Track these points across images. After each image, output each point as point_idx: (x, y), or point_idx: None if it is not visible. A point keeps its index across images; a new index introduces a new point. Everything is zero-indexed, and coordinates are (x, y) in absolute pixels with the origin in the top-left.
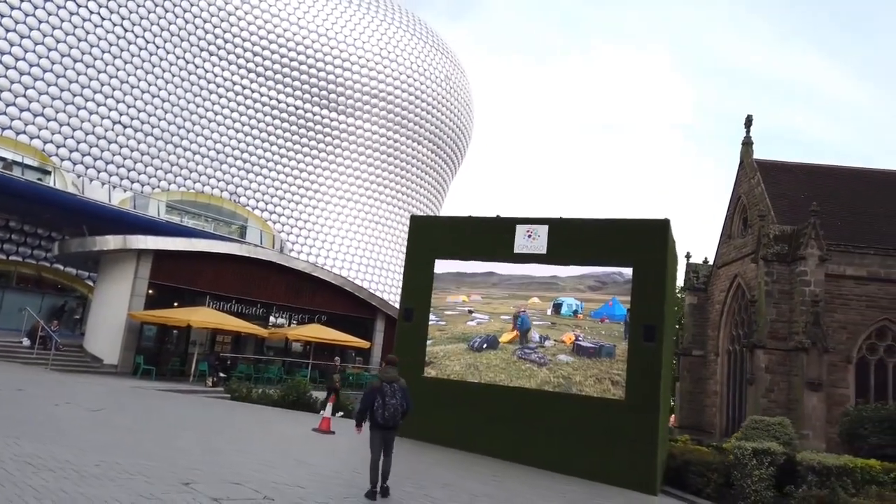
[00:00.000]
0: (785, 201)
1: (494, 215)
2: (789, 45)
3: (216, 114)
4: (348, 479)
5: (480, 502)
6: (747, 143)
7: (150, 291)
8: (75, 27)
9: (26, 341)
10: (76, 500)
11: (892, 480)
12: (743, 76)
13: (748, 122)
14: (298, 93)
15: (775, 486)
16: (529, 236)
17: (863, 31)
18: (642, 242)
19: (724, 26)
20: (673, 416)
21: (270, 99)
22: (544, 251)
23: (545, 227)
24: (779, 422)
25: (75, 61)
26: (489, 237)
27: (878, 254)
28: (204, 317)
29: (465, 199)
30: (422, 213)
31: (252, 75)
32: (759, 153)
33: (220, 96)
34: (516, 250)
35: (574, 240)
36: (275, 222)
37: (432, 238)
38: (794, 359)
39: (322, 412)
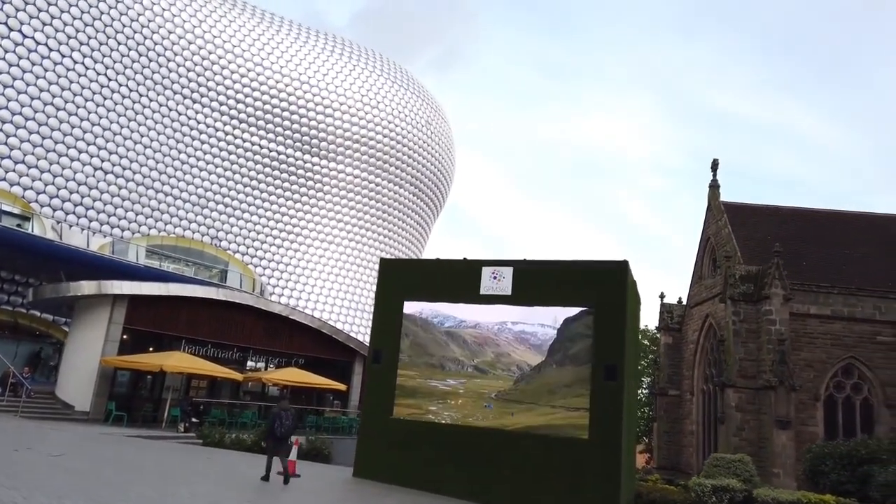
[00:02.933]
0: (751, 242)
1: (462, 258)
2: (767, 90)
3: (198, 159)
4: None
5: None
6: (714, 187)
7: (125, 336)
8: (59, 76)
9: None
10: None
11: None
12: (722, 119)
13: (714, 165)
14: (280, 138)
15: None
16: (495, 278)
17: (839, 78)
18: (602, 283)
19: (705, 72)
20: (649, 455)
21: (252, 144)
22: (509, 292)
23: (510, 269)
24: (739, 458)
25: (58, 109)
26: (456, 279)
27: (842, 293)
28: (177, 361)
29: (451, 240)
30: (404, 255)
31: (234, 121)
32: (742, 194)
33: (203, 142)
34: (482, 292)
35: (537, 281)
36: (256, 266)
37: (401, 280)
38: (763, 397)
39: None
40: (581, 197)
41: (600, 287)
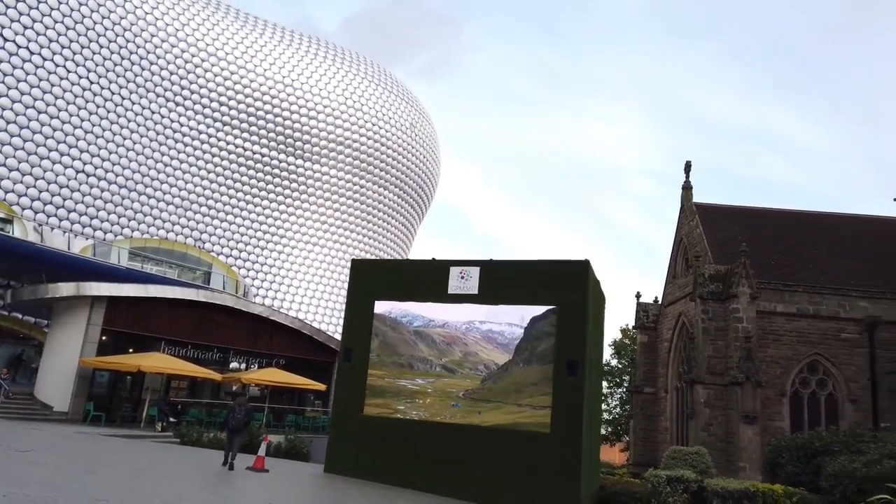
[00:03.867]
0: (722, 242)
1: (431, 258)
2: (754, 95)
3: (181, 161)
4: None
5: None
6: (687, 188)
7: (104, 338)
8: (41, 80)
9: None
10: None
11: (795, 503)
12: (711, 124)
13: (687, 167)
14: (264, 140)
15: None
16: (462, 277)
17: (826, 83)
18: (565, 282)
19: (694, 77)
20: (626, 452)
21: (236, 147)
22: (476, 291)
23: (477, 269)
24: (696, 451)
25: (40, 112)
26: (425, 279)
27: (807, 291)
28: (156, 362)
29: (444, 243)
30: (388, 257)
31: (218, 124)
32: (727, 196)
33: (186, 144)
34: (450, 291)
35: (503, 281)
36: (240, 268)
37: (372, 281)
38: (731, 393)
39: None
40: (571, 201)
41: (563, 286)
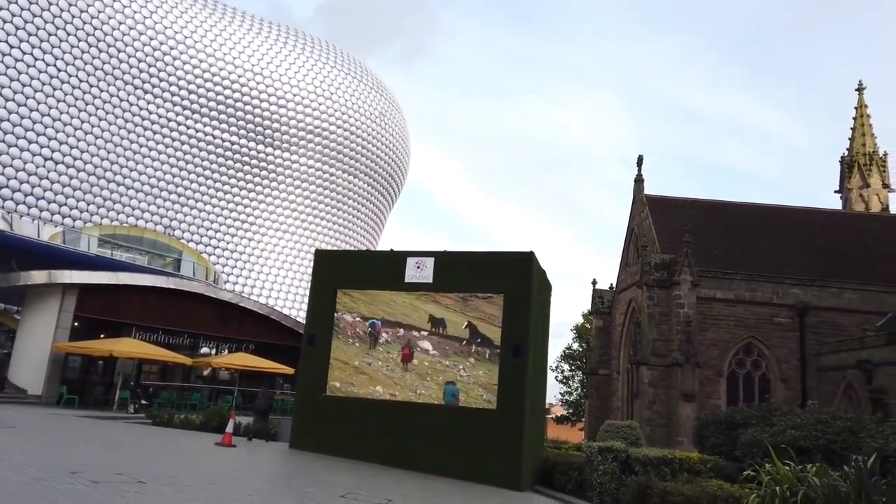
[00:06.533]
0: (670, 233)
1: (389, 249)
2: (724, 83)
3: (150, 149)
4: (219, 475)
5: (337, 491)
6: (639, 181)
7: (76, 324)
8: (7, 67)
9: None
10: None
11: (708, 469)
12: (683, 111)
13: (639, 161)
14: (234, 128)
15: (619, 479)
16: (419, 267)
17: (794, 74)
18: (511, 272)
19: (668, 66)
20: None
21: (206, 135)
22: (431, 281)
23: (432, 259)
24: (628, 424)
25: (7, 100)
26: (384, 269)
27: (744, 279)
28: (127, 347)
29: (419, 230)
30: (358, 244)
31: (187, 112)
32: (693, 183)
33: (155, 132)
34: (407, 280)
35: (455, 270)
36: (210, 255)
37: (334, 270)
38: (672, 374)
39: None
40: (544, 187)
41: (510, 275)
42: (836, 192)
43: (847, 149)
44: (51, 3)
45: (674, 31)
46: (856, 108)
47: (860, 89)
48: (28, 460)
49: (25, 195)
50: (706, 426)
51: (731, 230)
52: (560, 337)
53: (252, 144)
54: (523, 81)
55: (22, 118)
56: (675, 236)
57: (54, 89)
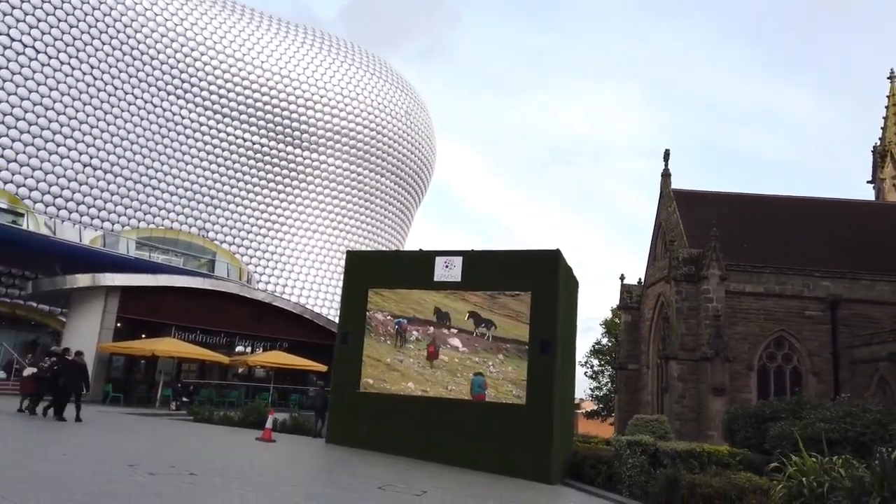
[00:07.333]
0: (697, 227)
1: (418, 249)
2: (751, 74)
3: (184, 153)
4: (263, 468)
5: (374, 483)
6: (665, 175)
7: (119, 324)
8: (46, 77)
9: (1, 374)
10: (47, 473)
11: (737, 463)
12: (705, 102)
13: (666, 155)
14: (263, 131)
15: (648, 472)
16: (447, 267)
17: (824, 63)
18: (538, 270)
19: (693, 57)
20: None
21: (237, 138)
22: (459, 279)
23: (460, 259)
24: (656, 418)
25: (47, 109)
26: (413, 268)
27: (774, 272)
28: (167, 346)
29: (442, 228)
30: (386, 242)
31: (218, 116)
32: (719, 175)
33: (188, 136)
34: (436, 279)
35: (483, 269)
36: (243, 255)
37: (365, 270)
38: (702, 368)
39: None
40: (567, 182)
41: (537, 273)
42: (868, 181)
43: (879, 138)
44: (86, 14)
45: (695, 19)
46: (888, 97)
47: (892, 77)
48: (88, 455)
49: (66, 200)
50: (736, 420)
51: (760, 223)
52: (589, 332)
53: (281, 146)
54: (543, 76)
55: (62, 126)
56: (703, 230)
57: (92, 97)
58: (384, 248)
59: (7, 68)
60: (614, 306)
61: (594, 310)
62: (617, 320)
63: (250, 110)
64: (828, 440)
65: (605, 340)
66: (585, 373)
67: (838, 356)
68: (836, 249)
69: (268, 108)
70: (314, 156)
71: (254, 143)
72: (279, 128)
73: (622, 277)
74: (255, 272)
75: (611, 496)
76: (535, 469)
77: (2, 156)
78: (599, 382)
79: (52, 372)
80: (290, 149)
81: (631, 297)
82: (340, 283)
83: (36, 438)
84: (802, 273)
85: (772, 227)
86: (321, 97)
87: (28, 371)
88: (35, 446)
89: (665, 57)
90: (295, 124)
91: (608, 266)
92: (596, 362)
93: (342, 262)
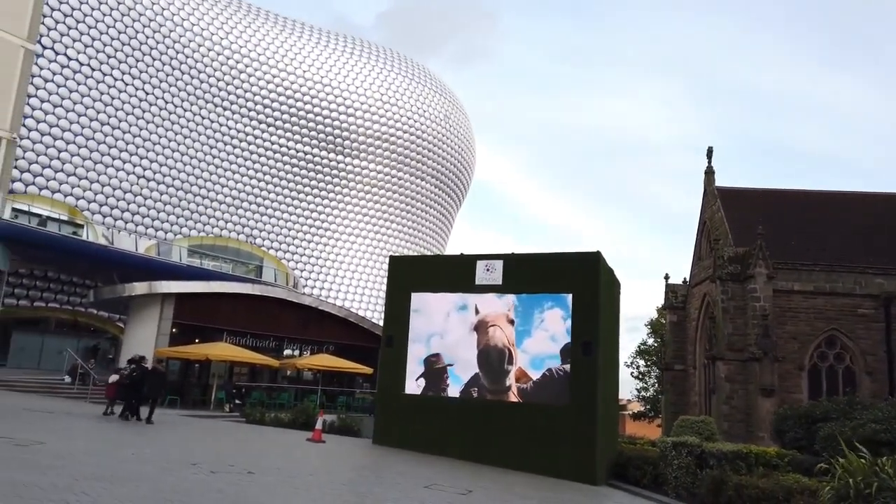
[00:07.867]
0: (742, 225)
1: (459, 253)
2: (794, 64)
3: (231, 163)
4: (314, 467)
5: (420, 482)
6: (709, 173)
7: (174, 330)
8: (101, 94)
9: (67, 378)
10: (120, 469)
11: (786, 464)
12: (748, 95)
13: (709, 153)
14: (307, 139)
15: (694, 473)
16: (488, 270)
17: (875, 52)
18: (578, 272)
19: (733, 50)
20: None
21: (281, 146)
22: (500, 282)
23: (500, 262)
24: (702, 420)
25: (102, 125)
26: (455, 272)
27: (824, 270)
28: (221, 351)
29: (484, 229)
30: (428, 246)
31: (263, 125)
32: (765, 170)
33: (235, 146)
34: (477, 282)
35: (524, 271)
36: (289, 261)
37: (408, 275)
38: (750, 368)
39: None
40: (611, 180)
41: (577, 275)
42: None
43: None
44: (137, 32)
45: (738, 10)
46: None
47: None
48: (153, 454)
49: (122, 211)
50: (785, 421)
51: (807, 220)
52: (635, 332)
53: (324, 153)
54: (580, 74)
55: (116, 140)
56: (748, 228)
57: (143, 112)
58: (426, 251)
59: (65, 86)
60: (659, 306)
61: (639, 309)
62: (662, 320)
63: (293, 119)
64: (880, 440)
65: (650, 341)
66: (632, 374)
67: (893, 355)
68: (888, 245)
69: (310, 116)
70: (356, 161)
71: (297, 151)
72: (321, 135)
73: (667, 277)
74: (301, 277)
75: (656, 497)
76: (579, 470)
77: (62, 170)
78: (646, 383)
79: (131, 378)
80: (332, 155)
81: (676, 297)
82: (384, 287)
83: (113, 439)
84: (854, 270)
85: (820, 224)
86: (361, 104)
87: (112, 378)
88: (110, 447)
89: (706, 50)
90: (337, 131)
91: (653, 265)
92: (642, 363)
93: (385, 266)
